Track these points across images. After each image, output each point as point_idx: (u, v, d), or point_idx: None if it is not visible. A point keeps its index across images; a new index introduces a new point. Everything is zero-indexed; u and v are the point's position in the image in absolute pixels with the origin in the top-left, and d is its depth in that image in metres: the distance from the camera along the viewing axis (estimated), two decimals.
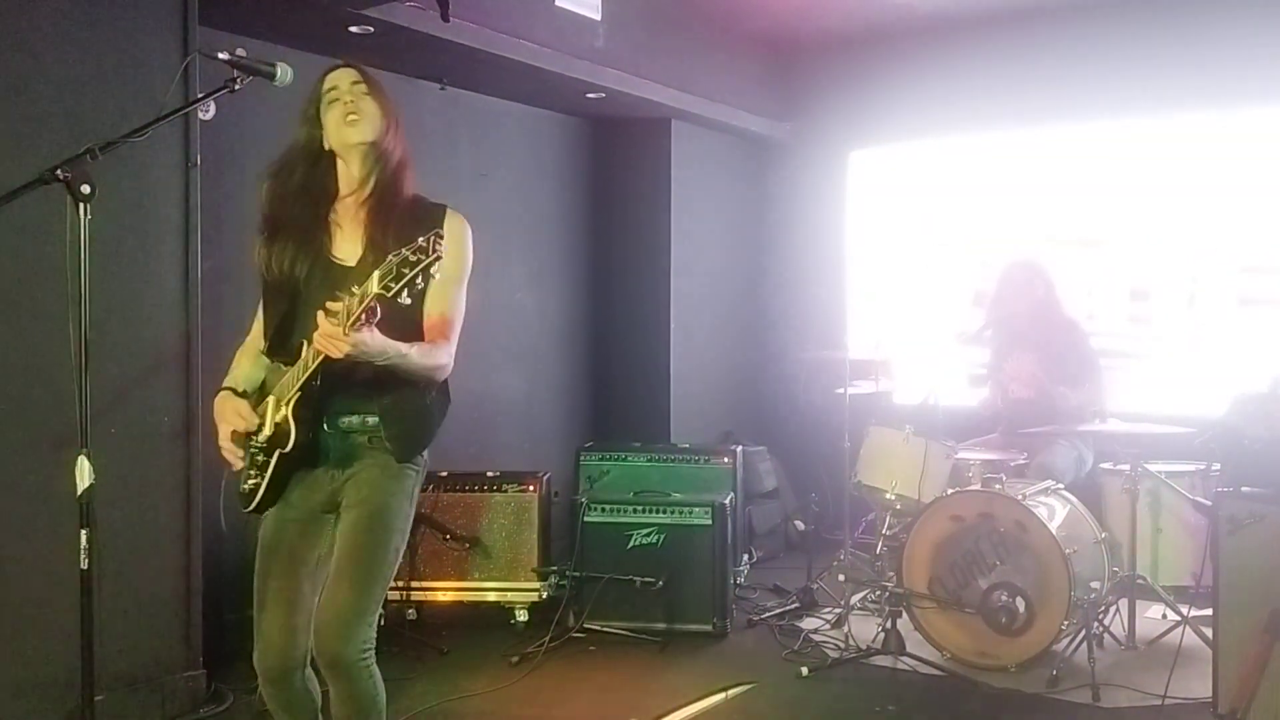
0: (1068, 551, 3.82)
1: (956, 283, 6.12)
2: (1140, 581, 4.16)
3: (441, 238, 2.13)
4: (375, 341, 2.23)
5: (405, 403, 2.46)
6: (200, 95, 3.03)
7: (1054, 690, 3.72)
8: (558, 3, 4.81)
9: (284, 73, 2.58)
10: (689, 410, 6.10)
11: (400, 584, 4.39)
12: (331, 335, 2.19)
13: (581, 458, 5.27)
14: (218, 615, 3.89)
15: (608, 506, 4.51)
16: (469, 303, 2.55)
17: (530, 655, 4.10)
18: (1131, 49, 5.48)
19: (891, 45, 6.16)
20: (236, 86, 2.52)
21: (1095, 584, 4.01)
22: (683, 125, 6.03)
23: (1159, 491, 4.39)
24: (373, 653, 2.42)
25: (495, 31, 4.49)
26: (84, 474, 2.29)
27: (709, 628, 4.40)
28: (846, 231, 6.55)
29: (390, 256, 2.12)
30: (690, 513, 4.46)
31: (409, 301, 2.17)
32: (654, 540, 4.44)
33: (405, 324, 2.34)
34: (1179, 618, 3.97)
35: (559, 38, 4.83)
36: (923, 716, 3.63)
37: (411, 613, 4.47)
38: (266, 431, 2.45)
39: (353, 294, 2.17)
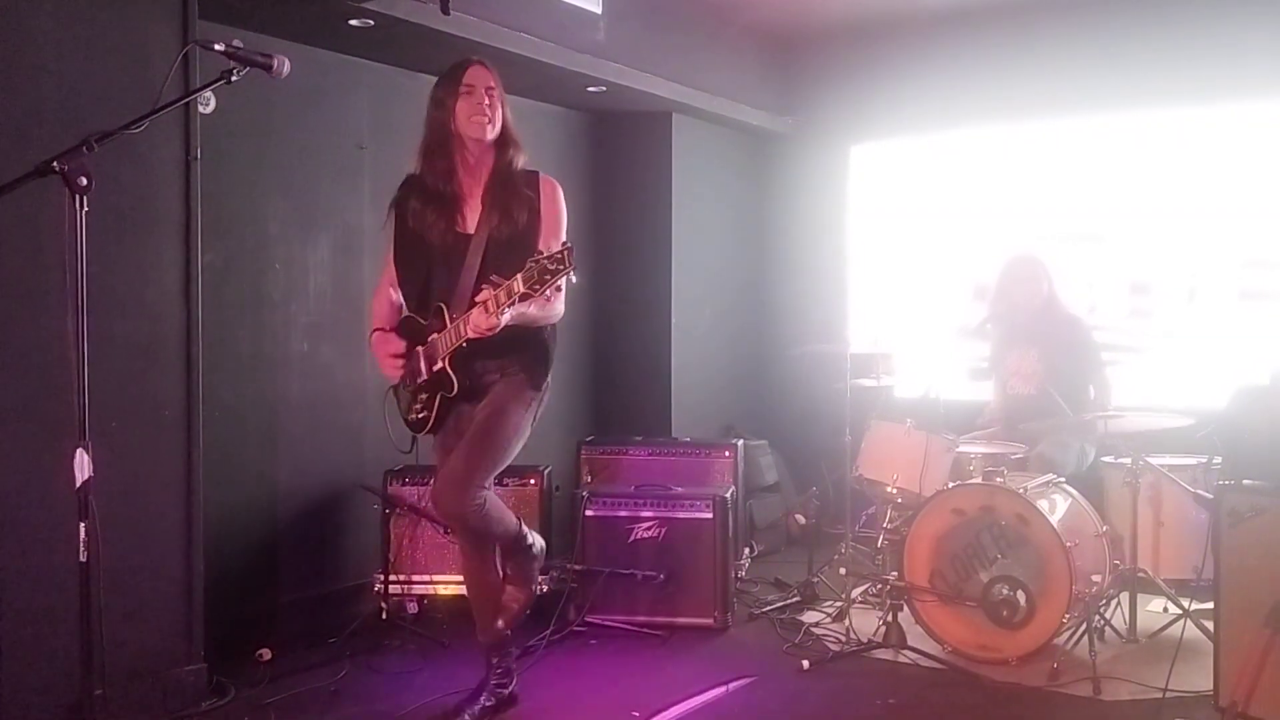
0: (1069, 545, 3.82)
1: (957, 276, 6.11)
2: (1141, 575, 4.15)
3: (571, 249, 2.71)
4: (510, 313, 2.90)
5: (529, 342, 3.22)
6: (197, 87, 3.03)
7: (1055, 683, 3.72)
8: None
9: (281, 64, 2.58)
10: (690, 404, 6.09)
11: (402, 578, 4.40)
12: (487, 327, 2.90)
13: (583, 451, 5.28)
14: (219, 609, 3.89)
15: (609, 500, 4.52)
16: None
17: (531, 649, 4.10)
18: (1133, 42, 5.47)
19: (893, 39, 6.15)
20: (234, 78, 2.52)
21: (1096, 577, 4.01)
22: (684, 119, 6.02)
23: (1160, 485, 4.38)
24: (484, 504, 3.17)
25: (495, 24, 4.47)
26: (83, 467, 2.29)
27: (710, 621, 4.41)
28: (847, 225, 6.54)
29: (530, 262, 2.72)
30: (691, 506, 4.46)
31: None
32: (655, 534, 4.44)
33: None
34: (1180, 611, 3.96)
35: (560, 31, 4.82)
36: (924, 710, 3.63)
37: (413, 606, 4.47)
38: (425, 377, 3.23)
39: (493, 283, 2.84)
